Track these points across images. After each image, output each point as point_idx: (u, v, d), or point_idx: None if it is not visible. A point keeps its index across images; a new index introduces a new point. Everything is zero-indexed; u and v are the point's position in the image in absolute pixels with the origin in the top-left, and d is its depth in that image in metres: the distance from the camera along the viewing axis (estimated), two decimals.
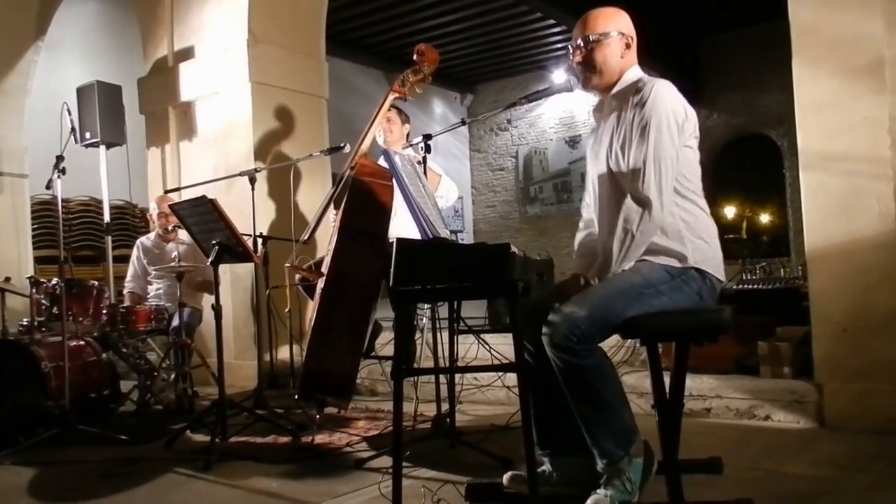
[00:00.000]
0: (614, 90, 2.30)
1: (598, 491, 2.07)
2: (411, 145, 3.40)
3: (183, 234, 4.36)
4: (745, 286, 4.60)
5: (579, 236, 2.51)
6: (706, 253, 2.20)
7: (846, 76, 3.14)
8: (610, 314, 2.05)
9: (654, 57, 10.11)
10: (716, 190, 11.15)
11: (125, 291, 4.86)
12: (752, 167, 12.17)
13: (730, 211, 13.30)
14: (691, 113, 2.20)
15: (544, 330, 2.04)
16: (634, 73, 2.31)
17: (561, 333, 1.99)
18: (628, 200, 2.14)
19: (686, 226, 2.18)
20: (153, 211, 4.94)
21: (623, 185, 2.19)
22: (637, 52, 2.35)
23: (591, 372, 2.03)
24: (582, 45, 2.29)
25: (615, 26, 2.28)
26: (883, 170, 3.04)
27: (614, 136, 2.25)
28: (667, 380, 2.16)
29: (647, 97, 2.15)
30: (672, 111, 2.15)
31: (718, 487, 2.30)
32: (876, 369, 3.06)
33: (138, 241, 5.05)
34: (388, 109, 3.71)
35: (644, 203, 2.11)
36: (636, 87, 2.23)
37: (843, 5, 3.14)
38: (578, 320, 2.00)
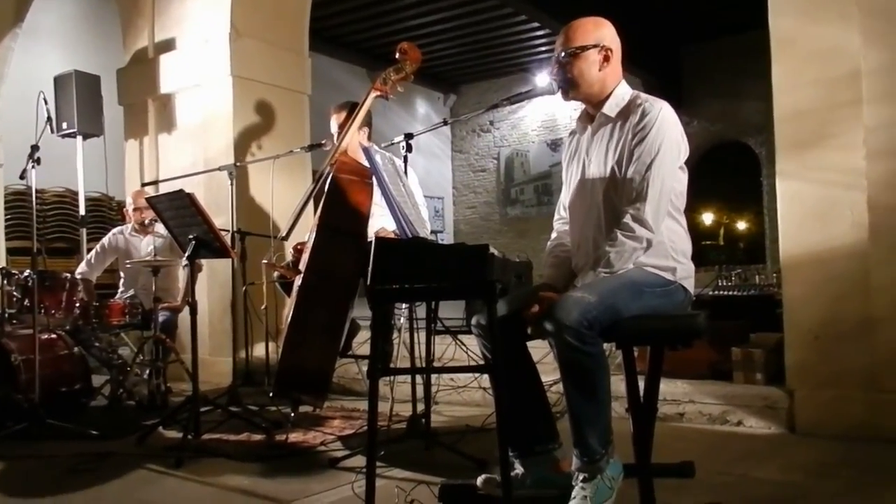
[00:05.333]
0: (606, 106, 2.31)
1: (578, 489, 2.07)
2: (392, 144, 3.40)
3: (160, 228, 4.31)
4: (721, 292, 4.65)
5: (550, 246, 2.52)
6: (688, 271, 2.29)
7: (824, 87, 3.18)
8: (618, 303, 2.06)
9: (636, 64, 10.20)
10: (694, 196, 11.19)
11: (76, 273, 4.57)
12: (730, 175, 12.32)
13: (708, 217, 13.47)
14: (684, 136, 2.27)
15: (553, 314, 2.00)
16: (624, 88, 2.33)
17: (574, 317, 1.96)
18: (625, 213, 2.17)
19: (672, 244, 2.25)
20: (129, 205, 4.87)
21: (616, 200, 2.23)
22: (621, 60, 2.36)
23: (593, 361, 2.02)
24: (560, 58, 2.30)
25: (594, 38, 2.28)
26: (857, 180, 3.09)
27: (609, 153, 2.27)
28: (641, 384, 2.18)
29: (653, 122, 2.19)
30: (678, 137, 2.22)
31: (690, 491, 2.32)
32: (846, 376, 3.10)
33: (114, 231, 4.96)
34: (339, 110, 3.69)
35: (641, 222, 2.14)
36: (637, 107, 2.24)
37: (822, 18, 3.18)
38: (590, 305, 1.99)
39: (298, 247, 3.44)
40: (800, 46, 3.25)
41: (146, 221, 4.69)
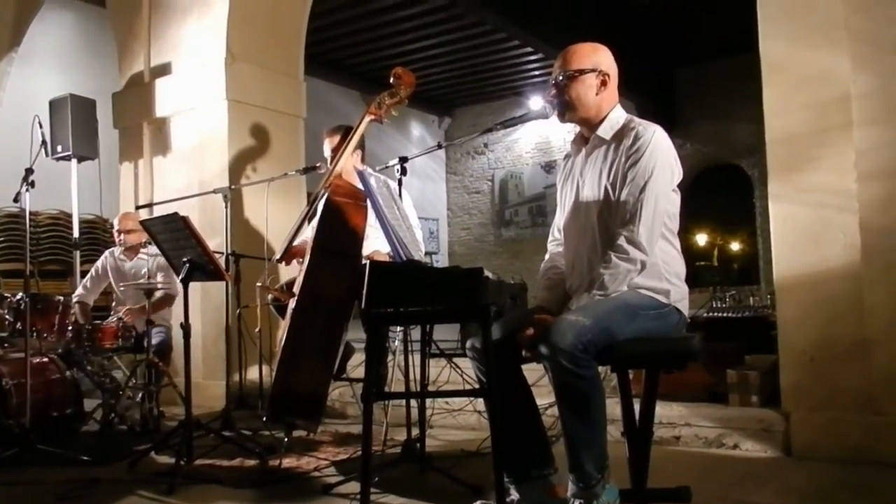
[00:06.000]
0: (601, 129, 2.33)
1: None
2: (386, 167, 3.41)
3: (151, 249, 4.29)
4: (715, 314, 4.65)
5: (543, 268, 2.52)
6: (682, 293, 2.30)
7: (814, 110, 3.21)
8: (613, 326, 2.07)
9: (630, 87, 10.29)
10: (688, 218, 11.27)
11: (73, 302, 4.56)
12: (723, 196, 12.37)
13: (701, 238, 13.50)
14: (677, 159, 2.29)
15: (548, 337, 2.01)
16: (619, 112, 2.35)
17: (568, 341, 1.97)
18: (619, 235, 2.18)
19: (666, 266, 2.26)
20: (115, 228, 4.84)
21: (609, 223, 2.24)
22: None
23: (588, 384, 2.02)
24: (558, 81, 2.32)
25: (592, 63, 2.31)
26: (849, 202, 3.11)
27: (603, 174, 2.29)
28: (637, 407, 2.17)
29: (647, 145, 2.21)
30: (671, 160, 2.24)
31: None
32: (841, 398, 3.10)
33: (105, 253, 4.94)
34: (332, 133, 3.72)
35: (634, 244, 2.15)
36: (631, 131, 2.26)
37: (812, 43, 3.22)
38: (585, 328, 2.00)
39: (294, 251, 3.45)
40: (790, 71, 3.28)
41: (138, 244, 4.65)
